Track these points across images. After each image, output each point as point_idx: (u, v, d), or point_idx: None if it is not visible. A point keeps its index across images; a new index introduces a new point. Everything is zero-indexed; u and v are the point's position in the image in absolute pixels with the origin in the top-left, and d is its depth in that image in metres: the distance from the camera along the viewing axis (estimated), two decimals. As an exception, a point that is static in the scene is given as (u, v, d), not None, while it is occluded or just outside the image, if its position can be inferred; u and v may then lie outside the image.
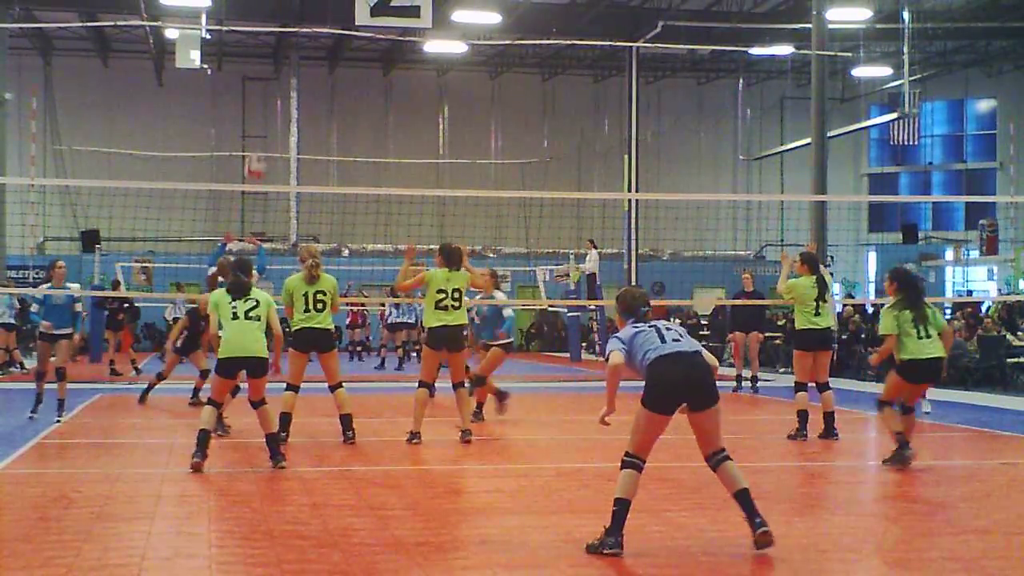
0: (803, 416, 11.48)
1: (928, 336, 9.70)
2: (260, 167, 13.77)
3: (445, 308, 10.69)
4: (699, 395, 6.18)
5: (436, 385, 10.99)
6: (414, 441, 10.64)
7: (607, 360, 6.33)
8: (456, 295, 10.77)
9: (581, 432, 12.59)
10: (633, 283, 31.43)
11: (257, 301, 9.35)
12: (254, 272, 10.66)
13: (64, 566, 5.73)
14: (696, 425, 6.28)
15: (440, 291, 10.70)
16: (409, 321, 24.57)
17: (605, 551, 6.07)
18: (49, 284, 12.74)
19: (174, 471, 9.08)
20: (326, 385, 10.98)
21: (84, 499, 7.63)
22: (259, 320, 9.29)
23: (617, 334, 6.46)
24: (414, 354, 25.04)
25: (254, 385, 9.39)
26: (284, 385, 10.70)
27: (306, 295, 10.67)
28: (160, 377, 15.35)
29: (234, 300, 9.30)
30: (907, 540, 6.66)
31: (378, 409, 13.43)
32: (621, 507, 6.18)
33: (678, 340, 6.29)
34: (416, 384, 10.92)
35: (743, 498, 6.19)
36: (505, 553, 6.18)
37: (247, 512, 7.23)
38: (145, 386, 15.51)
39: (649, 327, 6.36)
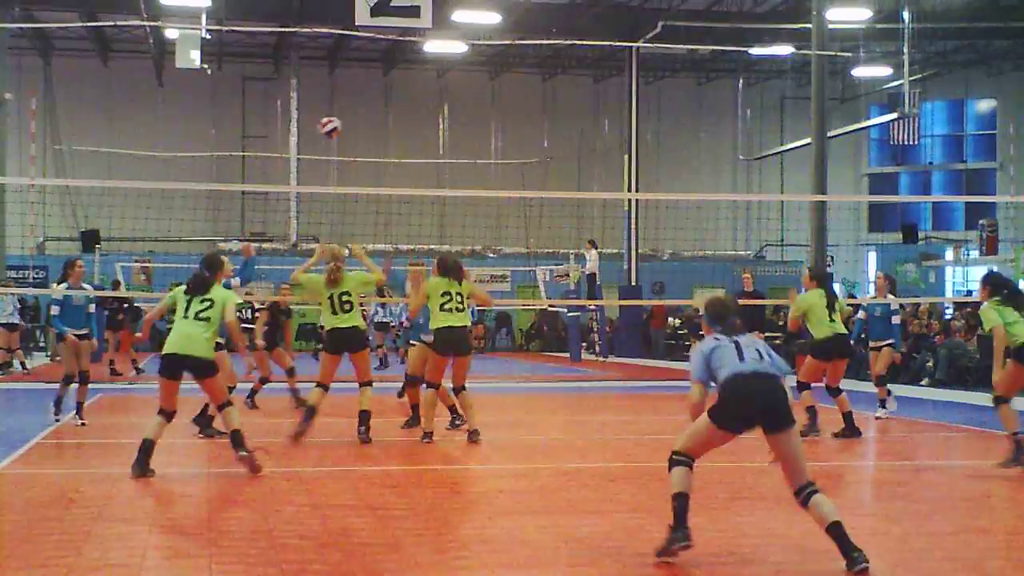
0: (812, 412, 11.56)
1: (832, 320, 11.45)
2: (336, 124, 13.25)
3: (450, 310, 10.65)
4: (772, 417, 5.95)
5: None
6: (426, 440, 10.73)
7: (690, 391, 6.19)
8: (460, 298, 10.76)
9: (581, 432, 12.60)
10: (633, 283, 31.48)
11: (212, 301, 9.03)
12: (234, 280, 10.62)
13: (64, 566, 5.73)
14: (776, 450, 6.03)
15: (444, 294, 10.69)
16: (392, 323, 24.67)
17: (675, 547, 5.95)
18: (67, 284, 12.59)
19: (174, 471, 9.08)
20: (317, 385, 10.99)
21: (84, 499, 7.63)
22: (207, 320, 8.96)
23: (700, 347, 6.25)
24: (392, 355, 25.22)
25: (205, 387, 9.12)
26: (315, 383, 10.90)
27: (331, 298, 10.67)
28: (264, 381, 14.68)
29: (189, 297, 9.06)
30: (907, 540, 6.65)
31: (379, 409, 13.41)
32: (680, 502, 6.04)
33: (758, 360, 6.05)
34: (424, 386, 11.05)
35: (835, 532, 5.80)
36: (505, 553, 6.18)
37: (247, 512, 7.23)
38: (250, 389, 14.53)
39: (730, 342, 6.14)
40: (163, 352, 8.96)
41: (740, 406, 5.93)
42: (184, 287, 9.19)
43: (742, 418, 5.97)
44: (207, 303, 9.02)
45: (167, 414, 9.06)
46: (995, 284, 9.98)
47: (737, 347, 6.09)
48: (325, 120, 13.58)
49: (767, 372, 6.00)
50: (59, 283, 12.87)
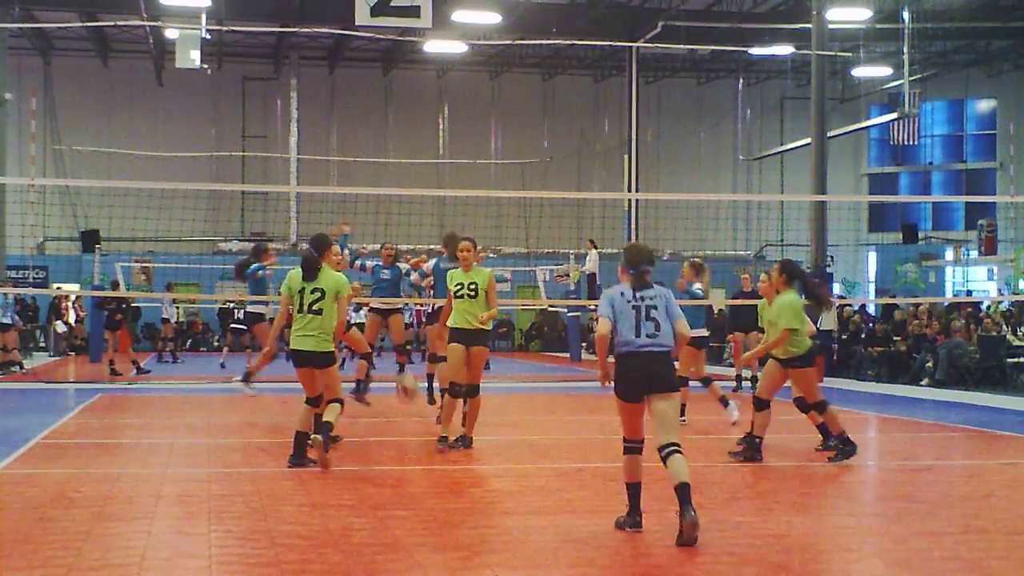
0: (825, 429, 10.37)
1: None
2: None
3: (463, 297, 10.30)
4: (656, 386, 6.74)
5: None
6: (442, 447, 10.29)
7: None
8: (472, 287, 10.27)
9: (581, 432, 12.60)
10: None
11: (323, 292, 9.05)
12: (343, 252, 11.06)
13: (64, 566, 5.73)
14: (652, 409, 6.77)
15: (458, 284, 10.33)
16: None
17: (627, 528, 6.74)
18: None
19: (174, 471, 9.08)
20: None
21: (84, 499, 7.62)
22: (319, 313, 9.03)
23: (609, 292, 6.92)
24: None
25: (320, 378, 9.18)
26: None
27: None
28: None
29: (302, 286, 9.12)
30: (907, 540, 6.65)
31: (379, 409, 13.42)
32: (631, 490, 6.84)
33: (653, 332, 6.74)
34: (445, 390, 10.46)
35: (681, 491, 6.50)
36: (505, 553, 6.18)
37: (247, 512, 7.23)
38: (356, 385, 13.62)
39: (634, 306, 6.80)
40: (289, 347, 9.23)
41: (631, 383, 6.78)
42: (299, 272, 9.21)
43: (636, 391, 6.78)
44: (318, 294, 9.08)
45: (312, 401, 9.30)
46: (792, 273, 9.89)
47: (638, 313, 6.78)
48: None
49: (655, 350, 6.74)
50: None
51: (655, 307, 6.81)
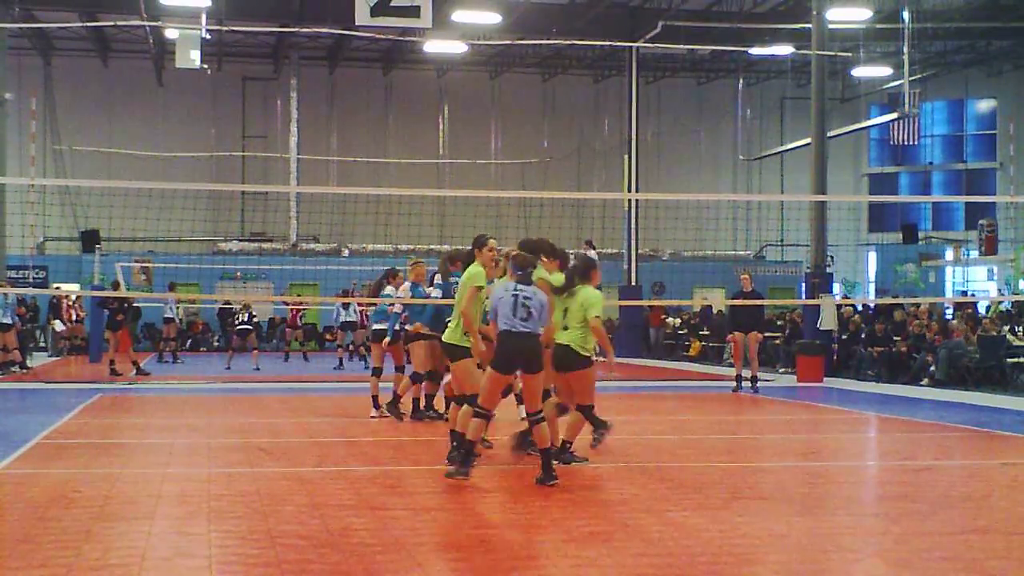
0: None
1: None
2: None
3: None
4: (528, 365, 8.26)
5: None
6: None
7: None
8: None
9: (581, 432, 12.57)
10: (633, 283, 31.47)
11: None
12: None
13: (64, 566, 5.73)
14: (524, 383, 8.37)
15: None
16: (355, 320, 24.97)
17: (457, 476, 8.19)
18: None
19: (174, 471, 9.08)
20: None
21: (84, 499, 7.62)
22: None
23: (496, 290, 8.42)
24: (357, 355, 25.37)
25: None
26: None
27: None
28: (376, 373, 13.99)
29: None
30: (907, 540, 6.65)
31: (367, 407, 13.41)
32: (470, 447, 8.33)
33: (525, 319, 8.20)
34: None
35: (543, 455, 8.23)
36: (505, 553, 6.18)
37: (247, 512, 7.23)
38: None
39: (512, 295, 8.26)
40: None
41: (509, 358, 8.27)
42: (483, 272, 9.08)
43: (511, 366, 8.30)
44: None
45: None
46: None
47: (515, 300, 8.24)
48: None
49: (528, 332, 8.23)
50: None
51: (529, 298, 8.24)
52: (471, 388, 8.83)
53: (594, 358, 9.17)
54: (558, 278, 9.30)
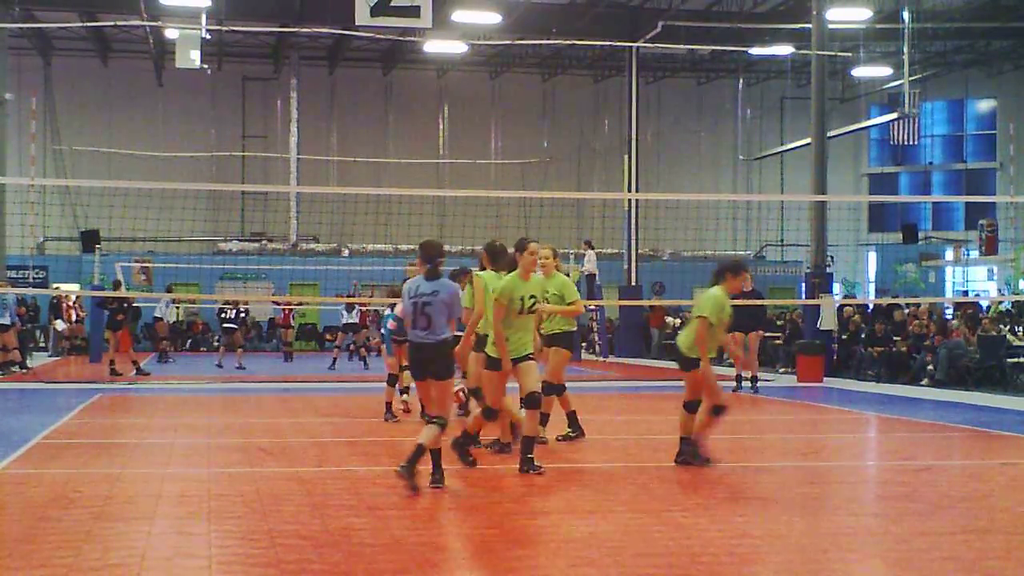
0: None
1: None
2: None
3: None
4: (431, 373, 8.07)
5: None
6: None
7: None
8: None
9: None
10: (633, 283, 31.48)
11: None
12: None
13: (64, 566, 5.73)
14: (433, 390, 8.12)
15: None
16: (357, 322, 25.31)
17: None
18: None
19: (174, 471, 9.08)
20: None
21: (84, 499, 7.62)
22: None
23: (407, 285, 8.23)
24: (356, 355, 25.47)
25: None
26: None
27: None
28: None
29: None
30: (907, 540, 6.65)
31: (378, 410, 13.41)
32: (419, 452, 7.93)
33: (425, 328, 8.01)
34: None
35: (433, 455, 8.05)
36: (506, 553, 6.18)
37: (247, 512, 7.23)
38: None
39: (413, 302, 8.04)
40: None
41: (414, 366, 8.20)
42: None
43: (423, 376, 8.13)
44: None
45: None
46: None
47: (415, 309, 8.03)
48: None
49: (427, 342, 8.05)
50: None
51: (430, 304, 7.99)
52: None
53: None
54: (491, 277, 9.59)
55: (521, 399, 8.93)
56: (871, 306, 26.19)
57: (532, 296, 8.99)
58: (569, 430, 11.04)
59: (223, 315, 25.47)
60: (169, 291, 26.74)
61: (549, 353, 10.47)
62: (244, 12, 30.16)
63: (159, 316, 26.70)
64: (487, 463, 9.86)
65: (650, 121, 37.88)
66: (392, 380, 13.14)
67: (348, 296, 27.06)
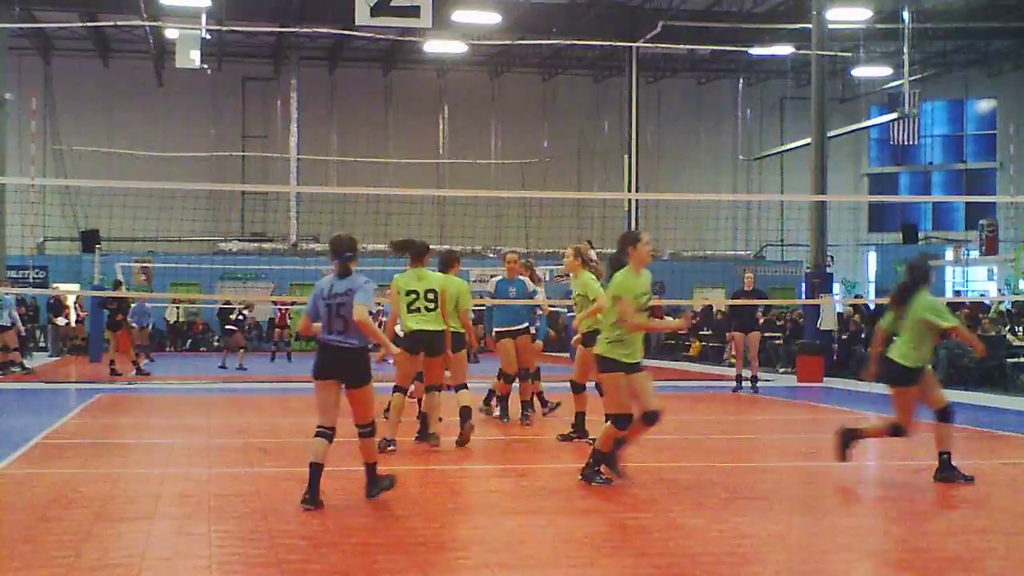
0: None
1: None
2: None
3: (418, 310, 10.20)
4: (345, 377, 7.48)
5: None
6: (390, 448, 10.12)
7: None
8: (430, 296, 10.21)
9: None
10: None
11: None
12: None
13: (64, 566, 5.73)
14: (349, 397, 7.51)
15: (411, 292, 10.23)
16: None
17: (309, 507, 7.20)
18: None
19: (174, 471, 9.08)
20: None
21: (84, 499, 7.62)
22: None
23: (319, 284, 7.59)
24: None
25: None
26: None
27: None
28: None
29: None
30: (907, 540, 6.65)
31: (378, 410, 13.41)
32: (314, 471, 7.40)
33: (341, 329, 7.39)
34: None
35: (368, 470, 7.62)
36: (505, 553, 6.18)
37: (247, 512, 7.23)
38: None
39: (327, 303, 7.44)
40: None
41: (325, 369, 7.48)
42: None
43: (328, 376, 7.47)
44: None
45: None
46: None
47: (330, 311, 7.42)
48: None
49: (341, 345, 7.42)
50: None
51: (344, 304, 7.39)
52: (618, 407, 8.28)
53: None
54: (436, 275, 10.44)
55: (642, 415, 8.31)
56: (871, 306, 26.18)
57: (645, 293, 8.36)
58: (571, 430, 11.07)
59: (231, 316, 25.42)
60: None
61: (581, 352, 10.96)
62: (244, 12, 30.16)
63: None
64: (486, 463, 9.87)
65: (650, 121, 37.87)
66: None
67: None
